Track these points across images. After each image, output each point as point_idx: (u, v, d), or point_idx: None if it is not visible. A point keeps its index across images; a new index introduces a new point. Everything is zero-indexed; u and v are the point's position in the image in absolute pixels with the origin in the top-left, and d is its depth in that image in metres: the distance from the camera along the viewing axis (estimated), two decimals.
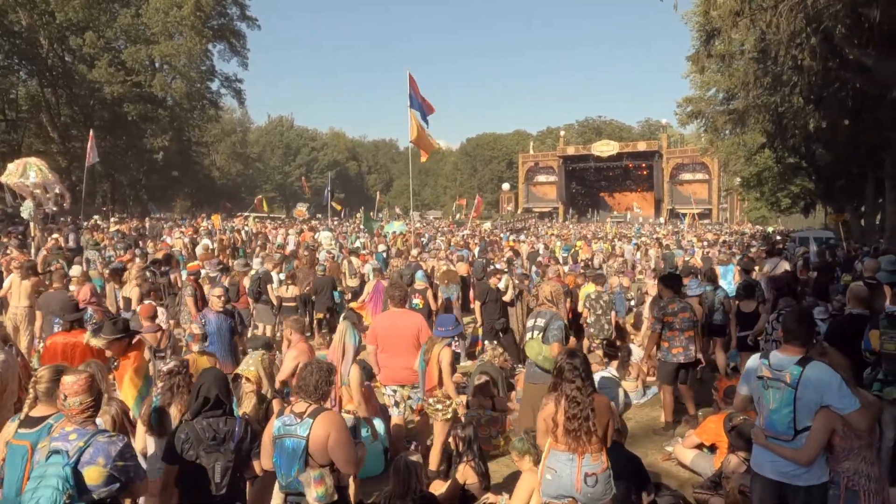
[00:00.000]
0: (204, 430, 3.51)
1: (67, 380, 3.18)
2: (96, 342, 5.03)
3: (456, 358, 7.01)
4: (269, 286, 10.76)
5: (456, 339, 6.17)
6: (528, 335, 6.08)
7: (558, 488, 3.82)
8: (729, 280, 13.31)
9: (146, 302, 8.16)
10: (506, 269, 12.15)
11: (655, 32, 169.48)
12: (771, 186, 37.92)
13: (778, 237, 30.96)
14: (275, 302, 10.84)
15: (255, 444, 3.69)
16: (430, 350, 5.69)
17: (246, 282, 10.97)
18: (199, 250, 17.20)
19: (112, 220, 30.57)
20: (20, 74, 41.27)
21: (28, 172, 12.02)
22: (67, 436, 3.08)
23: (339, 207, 44.78)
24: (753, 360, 4.03)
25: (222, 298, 7.10)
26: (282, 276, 11.32)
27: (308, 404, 3.67)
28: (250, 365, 4.50)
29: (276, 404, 4.33)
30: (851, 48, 14.85)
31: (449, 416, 5.59)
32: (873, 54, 14.13)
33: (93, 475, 2.98)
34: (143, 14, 43.06)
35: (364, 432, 5.67)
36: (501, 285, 10.44)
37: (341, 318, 6.34)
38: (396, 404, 6.23)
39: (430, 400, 5.68)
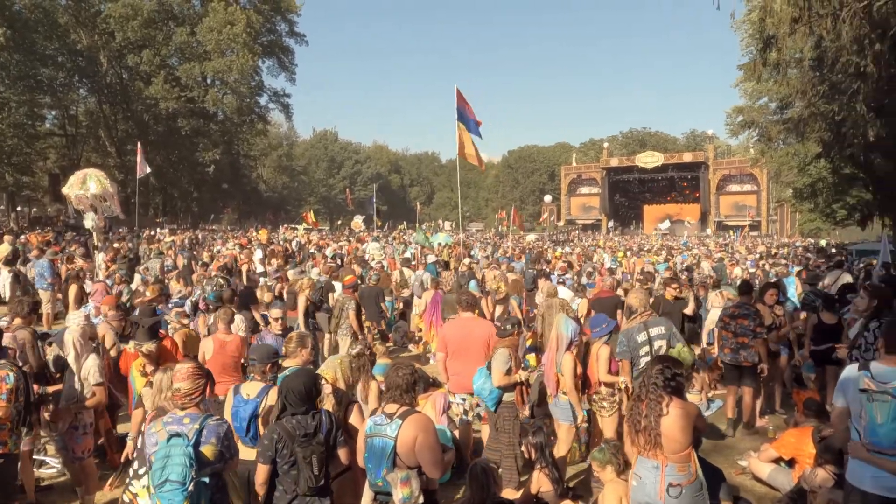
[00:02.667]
0: (294, 428, 3.59)
1: (178, 367, 3.67)
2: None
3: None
4: (330, 294, 10.90)
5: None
6: (648, 347, 6.02)
7: (644, 496, 3.75)
8: (791, 293, 12.94)
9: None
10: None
11: (700, 42, 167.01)
12: (825, 197, 36.70)
13: (833, 249, 30.02)
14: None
15: (340, 435, 3.77)
16: (590, 351, 5.95)
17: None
18: (256, 258, 17.55)
19: (164, 230, 31.50)
20: (80, 92, 43.04)
21: (88, 183, 12.38)
22: (181, 420, 3.47)
23: (378, 223, 45.22)
24: (852, 372, 3.89)
25: (280, 322, 7.11)
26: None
27: (399, 405, 3.71)
28: (329, 367, 4.56)
29: (354, 408, 4.37)
30: None
31: (614, 411, 5.82)
32: None
33: (208, 452, 3.41)
34: (197, 32, 44.47)
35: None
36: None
37: (555, 311, 6.39)
38: (465, 412, 6.23)
39: (594, 397, 5.91)
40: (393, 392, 3.76)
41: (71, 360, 4.93)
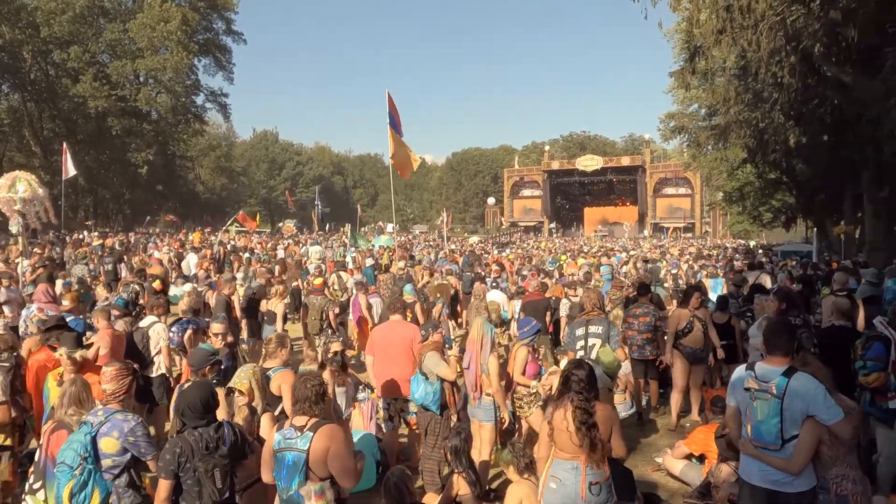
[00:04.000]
0: (196, 441, 3.54)
1: (105, 370, 3.96)
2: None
3: None
4: (262, 301, 10.72)
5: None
6: (584, 342, 6.59)
7: (563, 497, 3.83)
8: (719, 293, 13.46)
9: None
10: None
11: (639, 48, 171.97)
12: (753, 201, 38.38)
13: (760, 251, 31.37)
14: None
15: (245, 445, 3.74)
16: (513, 352, 6.18)
17: (235, 297, 10.90)
18: (184, 266, 17.11)
19: (94, 234, 30.29)
20: (2, 88, 41.00)
21: (17, 186, 11.90)
22: (96, 412, 3.84)
23: (316, 227, 44.68)
24: (739, 372, 4.08)
25: (221, 338, 6.33)
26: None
27: (308, 417, 3.69)
28: (243, 378, 4.50)
29: (266, 418, 4.32)
30: (830, 66, 15.21)
31: (533, 409, 5.98)
32: (851, 72, 14.48)
33: (107, 445, 3.66)
34: (129, 29, 42.99)
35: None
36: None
37: (476, 314, 6.99)
38: (391, 417, 6.24)
39: (513, 397, 6.12)
40: (302, 404, 3.73)
41: None
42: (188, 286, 11.43)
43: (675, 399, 7.79)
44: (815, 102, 18.09)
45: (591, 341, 6.59)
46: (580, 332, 6.69)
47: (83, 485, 3.60)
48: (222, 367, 5.39)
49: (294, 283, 14.87)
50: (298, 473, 3.60)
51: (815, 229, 27.89)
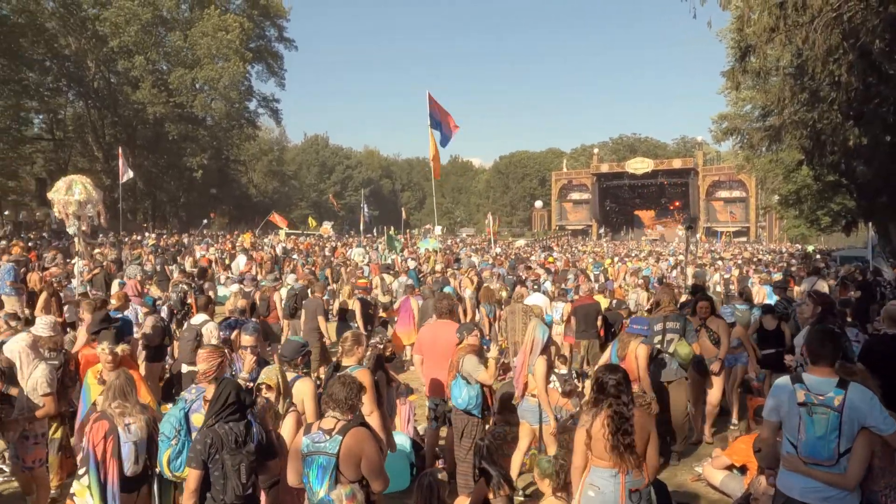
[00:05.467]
0: (227, 434, 3.60)
1: (200, 352, 4.41)
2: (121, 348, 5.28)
3: None
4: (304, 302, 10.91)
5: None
6: (661, 336, 6.77)
7: None
8: (773, 299, 13.03)
9: None
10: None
11: (691, 49, 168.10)
12: (810, 204, 37.05)
13: (818, 256, 30.25)
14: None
15: (271, 445, 3.80)
16: (624, 347, 6.40)
17: (276, 297, 11.14)
18: (234, 266, 17.53)
19: (150, 236, 31.39)
20: (68, 96, 42.90)
21: (73, 189, 12.41)
22: (191, 390, 4.26)
23: (358, 229, 45.02)
24: (785, 383, 3.87)
25: (251, 351, 5.43)
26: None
27: (336, 419, 3.71)
28: (271, 374, 4.53)
29: (291, 417, 4.32)
30: (891, 63, 14.58)
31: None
32: None
33: (198, 420, 3.93)
34: (189, 37, 44.40)
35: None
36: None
37: (518, 317, 7.56)
38: (436, 418, 6.22)
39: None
40: (335, 407, 3.75)
41: (18, 369, 4.93)
42: (235, 286, 11.73)
43: (708, 412, 7.46)
44: (875, 101, 17.39)
45: (668, 336, 6.81)
46: (658, 327, 6.85)
47: (178, 453, 3.95)
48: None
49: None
50: (328, 477, 3.61)
51: (874, 234, 26.69)
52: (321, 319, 9.63)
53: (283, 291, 11.35)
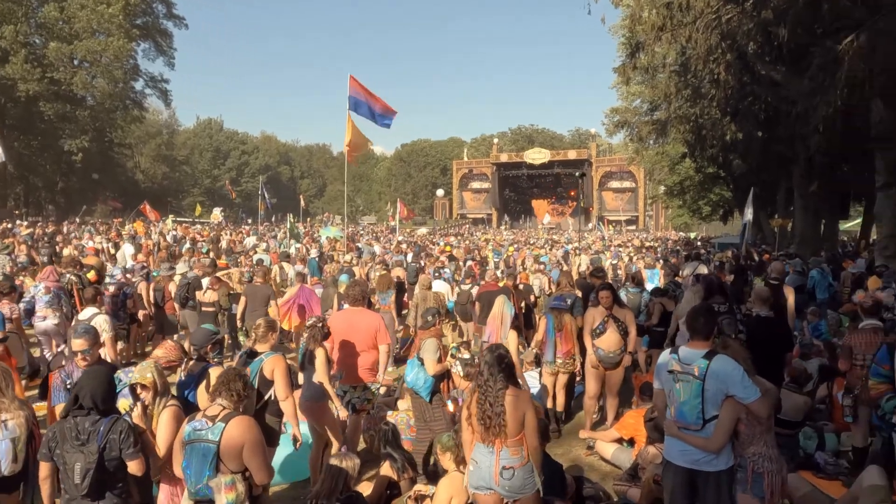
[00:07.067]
0: (70, 430, 3.44)
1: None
2: None
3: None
4: (197, 292, 10.47)
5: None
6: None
7: (479, 479, 3.89)
8: (656, 283, 13.84)
9: None
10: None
11: (587, 43, 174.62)
12: (692, 195, 39.57)
13: (699, 243, 32.40)
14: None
15: (132, 445, 3.56)
16: (559, 320, 7.02)
17: (171, 287, 10.64)
18: (119, 256, 16.58)
19: (22, 223, 28.94)
20: None
21: None
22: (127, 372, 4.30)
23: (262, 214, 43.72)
24: (664, 356, 4.23)
25: (83, 357, 4.57)
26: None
27: (221, 408, 3.61)
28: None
29: (167, 412, 4.10)
30: (763, 64, 15.78)
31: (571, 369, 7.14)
32: (782, 70, 15.05)
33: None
34: (65, 9, 41.01)
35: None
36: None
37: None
38: (349, 404, 6.17)
39: (559, 361, 7.04)
40: (224, 396, 3.65)
41: None
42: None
43: (588, 406, 7.11)
44: (749, 99, 18.73)
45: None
46: (556, 303, 7.47)
47: None
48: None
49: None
50: (208, 466, 3.50)
51: (744, 223, 29.00)
52: (273, 306, 9.74)
53: (178, 280, 10.87)
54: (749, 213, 16.05)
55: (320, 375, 5.31)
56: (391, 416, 6.68)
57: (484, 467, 3.86)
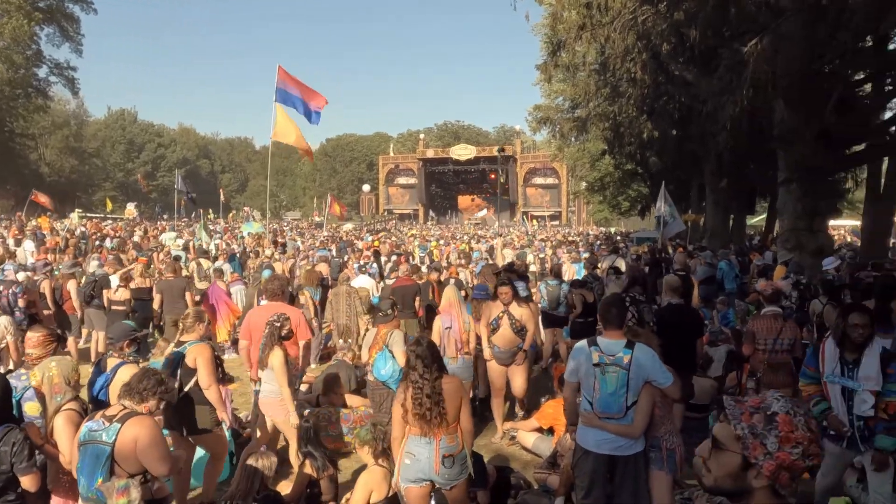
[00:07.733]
0: None
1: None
2: None
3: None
4: (105, 291, 9.94)
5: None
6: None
7: (417, 472, 3.91)
8: (581, 275, 14.21)
9: None
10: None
11: (513, 40, 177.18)
12: (612, 191, 40.84)
13: (618, 237, 33.50)
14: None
15: (26, 459, 3.31)
16: (477, 309, 6.99)
17: (72, 285, 10.05)
18: (20, 253, 15.59)
19: None
20: None
21: None
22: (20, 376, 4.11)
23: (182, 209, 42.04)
24: (582, 347, 4.25)
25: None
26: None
27: (122, 408, 3.42)
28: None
29: (61, 416, 3.84)
30: (676, 64, 16.40)
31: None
32: (694, 71, 15.69)
33: (32, 408, 3.93)
34: None
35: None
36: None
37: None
38: None
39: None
40: (129, 396, 3.46)
41: None
42: (21, 275, 10.34)
43: (496, 404, 6.90)
44: (664, 99, 19.45)
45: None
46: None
47: None
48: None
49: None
50: (101, 469, 3.30)
51: (657, 216, 30.21)
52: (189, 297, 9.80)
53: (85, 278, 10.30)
54: (663, 208, 16.65)
55: (278, 379, 5.12)
56: (354, 409, 6.69)
57: (423, 459, 3.88)
